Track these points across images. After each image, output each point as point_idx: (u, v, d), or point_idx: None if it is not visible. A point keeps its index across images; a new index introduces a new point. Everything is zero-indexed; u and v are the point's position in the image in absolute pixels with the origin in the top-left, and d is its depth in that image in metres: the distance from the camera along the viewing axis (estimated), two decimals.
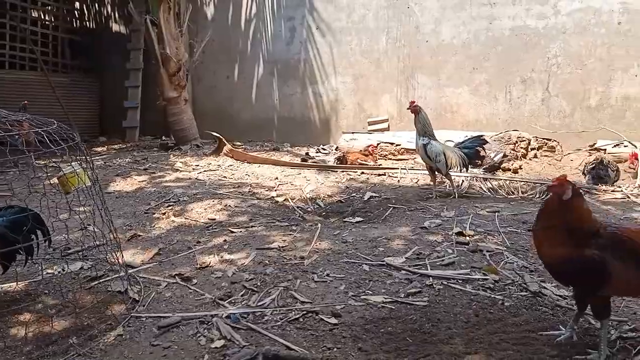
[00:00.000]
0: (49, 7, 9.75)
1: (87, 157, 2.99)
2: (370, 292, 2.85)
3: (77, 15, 10.25)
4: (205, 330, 2.49)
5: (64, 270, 3.28)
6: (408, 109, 4.98)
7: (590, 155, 6.64)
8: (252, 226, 4.10)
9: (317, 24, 8.43)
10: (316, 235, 3.80)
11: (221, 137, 7.18)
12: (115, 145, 8.70)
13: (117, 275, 3.17)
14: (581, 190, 2.31)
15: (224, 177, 5.90)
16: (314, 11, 8.40)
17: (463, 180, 5.48)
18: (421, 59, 7.90)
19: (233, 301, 2.81)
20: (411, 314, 2.60)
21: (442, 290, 2.84)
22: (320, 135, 8.64)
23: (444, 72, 7.80)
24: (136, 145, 8.56)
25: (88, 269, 3.35)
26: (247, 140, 8.70)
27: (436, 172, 5.04)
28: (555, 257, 2.14)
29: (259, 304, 2.74)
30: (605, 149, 6.41)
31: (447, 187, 5.17)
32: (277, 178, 5.90)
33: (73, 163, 3.30)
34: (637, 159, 5.48)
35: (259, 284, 3.01)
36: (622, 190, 4.94)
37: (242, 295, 2.87)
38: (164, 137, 9.03)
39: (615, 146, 6.33)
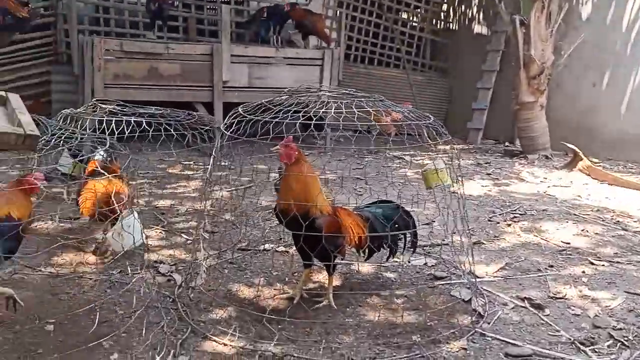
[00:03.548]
0: (419, 9, 10.37)
1: (455, 157, 2.91)
2: None
3: (442, 17, 10.62)
4: None
5: (409, 262, 3.32)
6: None
7: None
8: (618, 262, 3.42)
9: None
10: None
11: (578, 150, 6.39)
12: (457, 146, 8.70)
13: (460, 281, 3.04)
14: None
15: (579, 196, 5.18)
16: None
17: None
18: None
19: (597, 350, 2.33)
20: None
21: None
22: None
23: None
24: (478, 148, 8.41)
25: (431, 266, 3.32)
26: (606, 158, 7.54)
27: None
28: None
29: None
30: None
31: None
32: None
33: (437, 160, 3.30)
34: None
35: (630, 337, 2.43)
36: None
37: (608, 346, 2.36)
38: (507, 143, 8.63)
39: None
